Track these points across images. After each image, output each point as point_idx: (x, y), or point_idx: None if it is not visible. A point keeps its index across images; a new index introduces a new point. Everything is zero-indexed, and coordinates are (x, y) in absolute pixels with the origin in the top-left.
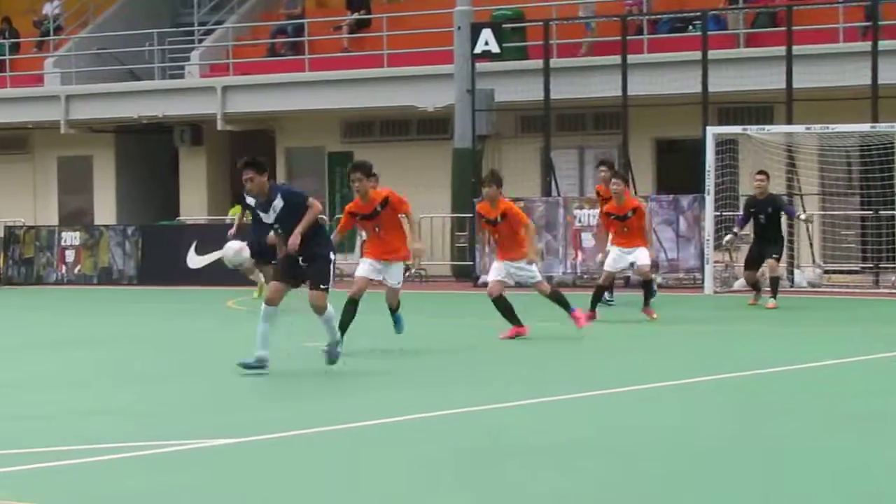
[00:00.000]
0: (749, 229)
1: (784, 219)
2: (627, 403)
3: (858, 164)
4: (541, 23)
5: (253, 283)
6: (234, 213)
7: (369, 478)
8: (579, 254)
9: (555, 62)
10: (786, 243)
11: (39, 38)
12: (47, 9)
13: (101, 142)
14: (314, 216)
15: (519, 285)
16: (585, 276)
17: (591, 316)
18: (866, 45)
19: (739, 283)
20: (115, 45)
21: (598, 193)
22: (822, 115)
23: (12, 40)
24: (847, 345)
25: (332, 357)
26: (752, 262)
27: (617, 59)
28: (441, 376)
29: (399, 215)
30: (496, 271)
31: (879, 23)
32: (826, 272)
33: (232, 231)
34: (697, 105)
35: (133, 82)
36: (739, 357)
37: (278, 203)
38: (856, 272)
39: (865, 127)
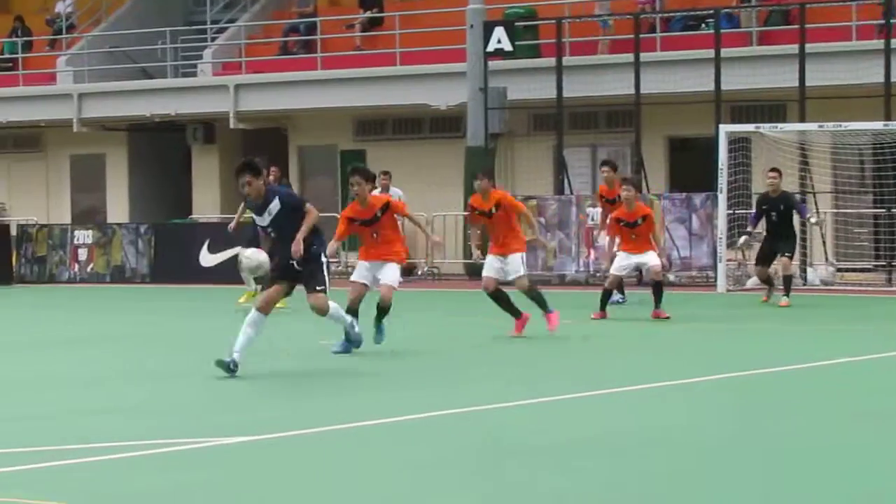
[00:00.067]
0: (762, 227)
1: (796, 217)
2: (635, 402)
3: (871, 162)
4: (553, 21)
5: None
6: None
7: (373, 477)
8: (592, 252)
9: (567, 60)
10: (798, 241)
11: (52, 37)
12: (60, 7)
13: (113, 140)
14: (313, 222)
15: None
16: (598, 275)
17: (602, 315)
18: (879, 44)
19: (752, 282)
20: (127, 44)
21: (600, 195)
22: (835, 114)
23: (25, 39)
24: (860, 343)
25: (354, 343)
26: (764, 259)
27: (630, 57)
28: (447, 375)
29: (398, 219)
30: (487, 266)
31: (893, 20)
32: (839, 270)
33: (231, 225)
34: (710, 103)
35: (146, 80)
36: (752, 355)
37: (275, 206)
38: (869, 270)
39: (878, 125)
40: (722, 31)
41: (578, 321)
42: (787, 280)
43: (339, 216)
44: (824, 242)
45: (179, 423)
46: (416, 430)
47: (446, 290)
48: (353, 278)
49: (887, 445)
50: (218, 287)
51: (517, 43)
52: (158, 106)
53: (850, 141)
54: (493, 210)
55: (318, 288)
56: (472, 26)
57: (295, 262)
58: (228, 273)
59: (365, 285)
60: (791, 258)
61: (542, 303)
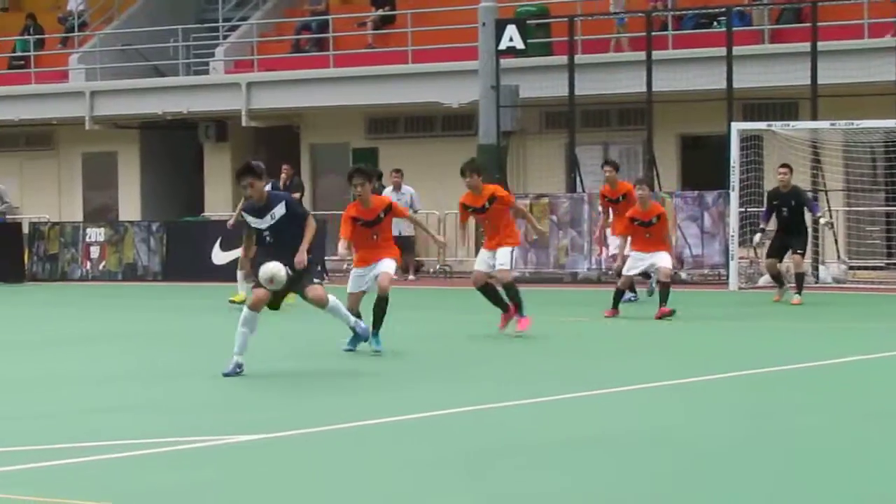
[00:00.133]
0: (773, 223)
1: (808, 213)
2: (643, 401)
3: (883, 160)
4: (565, 19)
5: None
6: None
7: (376, 476)
8: (604, 250)
9: (579, 58)
10: (810, 238)
11: (64, 35)
12: (72, 5)
13: (125, 138)
14: (314, 233)
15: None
16: (610, 273)
17: (615, 313)
18: (892, 41)
19: (764, 280)
20: (139, 42)
21: (602, 195)
22: (846, 112)
23: (37, 36)
24: (872, 341)
25: (361, 336)
26: (775, 252)
27: (642, 55)
28: (449, 374)
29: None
30: (478, 261)
31: None
32: (851, 268)
33: (231, 222)
34: (722, 101)
35: (158, 78)
36: (764, 353)
37: (279, 210)
38: (881, 268)
39: (890, 123)
40: (734, 29)
41: (591, 319)
42: (800, 278)
43: None
44: (836, 240)
45: (190, 421)
46: (418, 429)
47: (457, 288)
48: (350, 290)
49: None
50: (230, 285)
51: (529, 41)
52: (170, 104)
53: (863, 139)
54: (487, 205)
55: (314, 281)
56: (484, 24)
57: (290, 270)
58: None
59: (362, 293)
60: (803, 255)
61: (518, 302)
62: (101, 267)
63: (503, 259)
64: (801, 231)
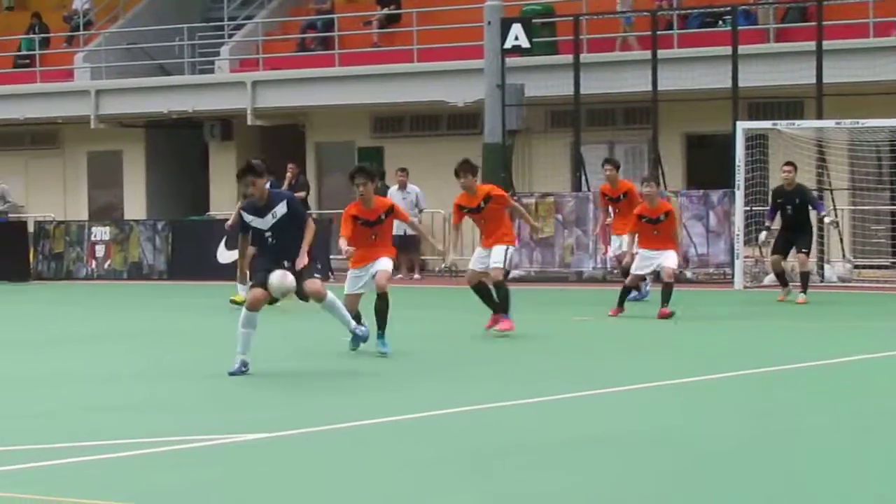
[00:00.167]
0: (778, 221)
1: (813, 211)
2: (647, 400)
3: (889, 159)
4: (571, 18)
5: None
6: None
7: (379, 475)
8: (609, 249)
9: (585, 57)
10: (815, 237)
11: (69, 33)
12: (77, 3)
13: (131, 137)
14: (314, 234)
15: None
16: (615, 272)
17: (619, 311)
18: None
19: (769, 279)
20: (145, 40)
21: (602, 193)
22: (852, 110)
23: (42, 35)
24: (878, 340)
25: (359, 339)
26: (780, 249)
27: (647, 54)
28: (451, 373)
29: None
30: (473, 259)
31: None
32: (856, 267)
33: (229, 223)
34: (727, 100)
35: (163, 77)
36: (769, 352)
37: (280, 209)
38: (886, 267)
39: None
40: (739, 27)
41: (596, 318)
42: (805, 277)
43: None
44: (841, 239)
45: (194, 419)
46: (420, 428)
47: (463, 287)
48: (347, 291)
49: None
50: (235, 284)
51: (535, 40)
52: (176, 103)
53: (868, 138)
54: (483, 204)
55: (314, 275)
56: (489, 23)
57: (292, 268)
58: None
59: (360, 293)
60: (808, 254)
61: (505, 303)
62: (106, 266)
63: (498, 257)
64: (805, 229)
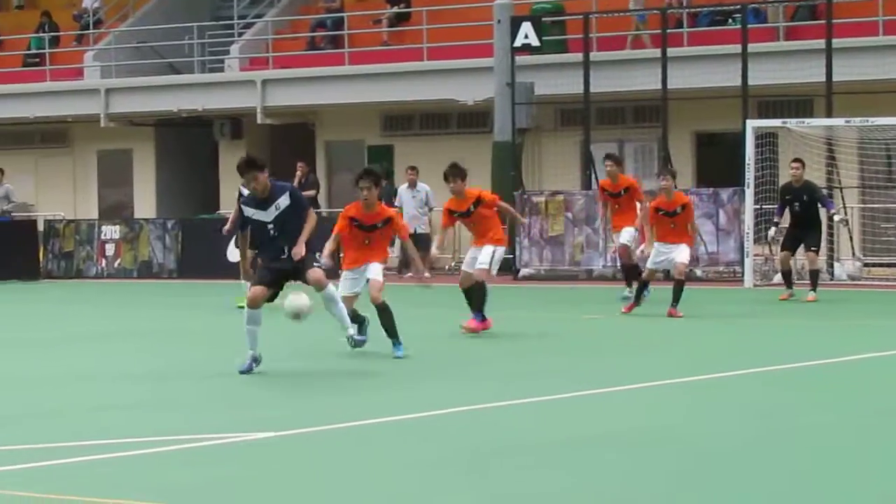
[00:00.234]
0: (787, 218)
1: (822, 209)
2: (655, 398)
3: None
4: (580, 16)
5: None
6: None
7: (384, 474)
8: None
9: (594, 55)
10: (825, 234)
11: (79, 32)
12: (87, 2)
13: (140, 135)
14: (314, 225)
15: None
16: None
17: (635, 306)
18: None
19: (779, 277)
20: (154, 39)
21: (602, 189)
22: (862, 109)
23: (52, 34)
24: (887, 338)
25: (356, 343)
26: (788, 246)
27: (657, 52)
28: (456, 372)
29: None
30: (465, 262)
31: None
32: (866, 265)
33: (227, 227)
34: (737, 98)
35: (173, 76)
36: (778, 350)
37: (283, 201)
38: None
39: None
40: (749, 26)
41: (606, 316)
42: (814, 275)
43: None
44: (851, 237)
45: (203, 418)
46: (423, 428)
47: None
48: (342, 293)
49: None
50: (245, 283)
51: (544, 38)
52: (186, 101)
53: (878, 136)
54: (472, 208)
55: (314, 265)
56: (499, 21)
57: (290, 259)
58: (255, 268)
59: (356, 294)
60: (817, 252)
61: (479, 302)
62: (116, 264)
63: (484, 258)
64: (814, 226)
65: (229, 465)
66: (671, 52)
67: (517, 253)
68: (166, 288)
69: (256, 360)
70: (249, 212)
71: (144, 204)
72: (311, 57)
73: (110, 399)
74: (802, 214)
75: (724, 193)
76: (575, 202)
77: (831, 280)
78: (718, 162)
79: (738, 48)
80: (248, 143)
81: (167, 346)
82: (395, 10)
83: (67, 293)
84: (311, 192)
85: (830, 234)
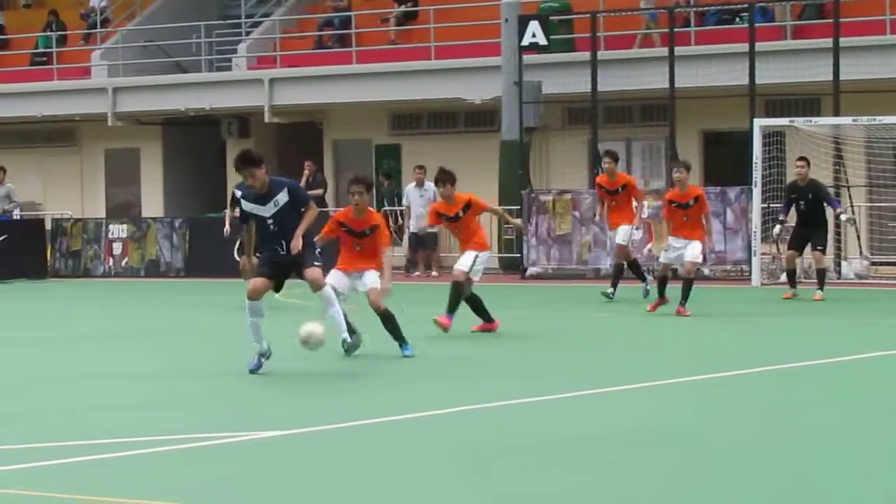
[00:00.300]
0: (792, 217)
1: (828, 208)
2: (663, 397)
3: None
4: (588, 15)
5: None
6: None
7: (391, 472)
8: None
9: (602, 54)
10: (832, 232)
11: (86, 31)
12: (94, 1)
13: (148, 134)
14: (312, 219)
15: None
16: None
17: (663, 302)
18: None
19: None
20: (162, 38)
21: (599, 185)
22: (869, 107)
23: (59, 33)
24: (895, 337)
25: (348, 348)
26: (796, 244)
27: (664, 51)
28: (463, 371)
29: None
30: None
31: None
32: (873, 264)
33: (226, 229)
34: (744, 97)
35: (180, 75)
36: (785, 349)
37: (282, 197)
38: None
39: None
40: (756, 25)
41: (613, 314)
42: (821, 274)
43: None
44: (858, 236)
45: (210, 417)
46: (428, 427)
47: (479, 283)
48: (328, 281)
49: None
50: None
51: (552, 37)
52: (193, 100)
53: (885, 135)
54: (461, 214)
55: (315, 263)
56: (506, 20)
57: (289, 253)
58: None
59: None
60: (824, 251)
61: (453, 303)
62: (123, 263)
63: (465, 260)
64: (820, 225)
65: (236, 464)
66: (679, 50)
67: (525, 252)
68: (174, 287)
69: (264, 355)
70: (249, 207)
71: (152, 203)
72: (319, 56)
73: (116, 398)
74: (808, 213)
75: (732, 192)
76: (582, 201)
77: (838, 279)
78: (726, 161)
79: (745, 47)
80: (255, 142)
81: (174, 345)
82: (403, 8)
83: (75, 292)
84: (319, 192)
85: (838, 233)
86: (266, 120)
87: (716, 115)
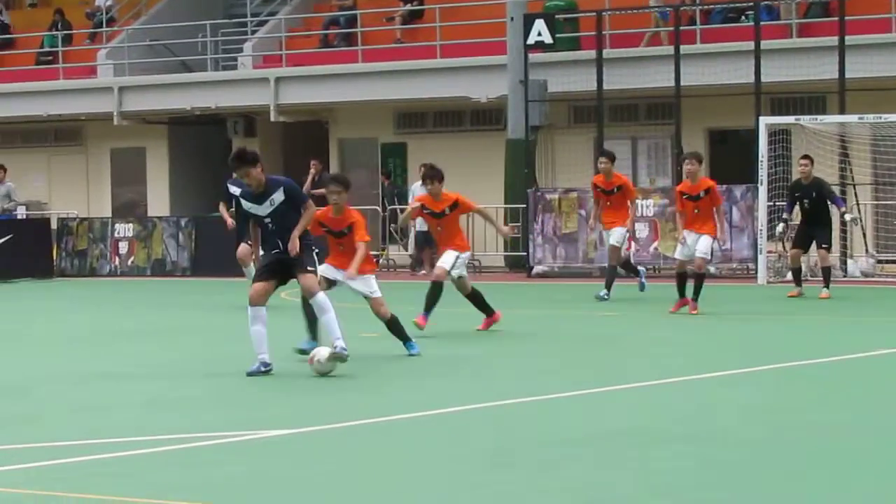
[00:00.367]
0: (796, 215)
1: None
2: (671, 395)
3: None
4: (593, 13)
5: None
6: None
7: (397, 472)
8: (632, 244)
9: (607, 53)
10: (837, 230)
11: (92, 30)
12: (100, 0)
13: (154, 133)
14: (310, 220)
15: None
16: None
17: (685, 302)
18: None
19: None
20: (167, 37)
21: (594, 185)
22: (875, 105)
23: (65, 32)
24: None
25: (340, 357)
26: (801, 242)
27: (670, 49)
28: (473, 369)
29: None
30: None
31: None
32: (879, 262)
33: (229, 223)
34: (750, 95)
35: (186, 74)
36: (791, 347)
37: (278, 196)
38: None
39: None
40: (762, 23)
41: (619, 313)
42: (826, 272)
43: (378, 210)
44: (864, 234)
45: (216, 416)
46: (437, 425)
47: (485, 282)
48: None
49: None
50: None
51: (557, 35)
52: (199, 99)
53: (891, 133)
54: (448, 211)
55: (308, 269)
56: (512, 19)
57: (286, 255)
58: None
59: (332, 281)
60: (829, 249)
61: (430, 304)
62: (129, 262)
63: (447, 258)
64: (824, 223)
65: (236, 464)
66: (684, 49)
67: (530, 250)
68: (180, 286)
69: (266, 364)
70: (247, 205)
71: (158, 202)
72: (325, 55)
73: (117, 398)
74: (812, 211)
75: (738, 190)
76: (588, 199)
77: (844, 277)
78: (731, 159)
79: (751, 45)
80: (261, 141)
81: (177, 345)
82: (409, 7)
83: (81, 291)
84: (325, 190)
85: (843, 231)
86: (272, 119)
87: (721, 113)
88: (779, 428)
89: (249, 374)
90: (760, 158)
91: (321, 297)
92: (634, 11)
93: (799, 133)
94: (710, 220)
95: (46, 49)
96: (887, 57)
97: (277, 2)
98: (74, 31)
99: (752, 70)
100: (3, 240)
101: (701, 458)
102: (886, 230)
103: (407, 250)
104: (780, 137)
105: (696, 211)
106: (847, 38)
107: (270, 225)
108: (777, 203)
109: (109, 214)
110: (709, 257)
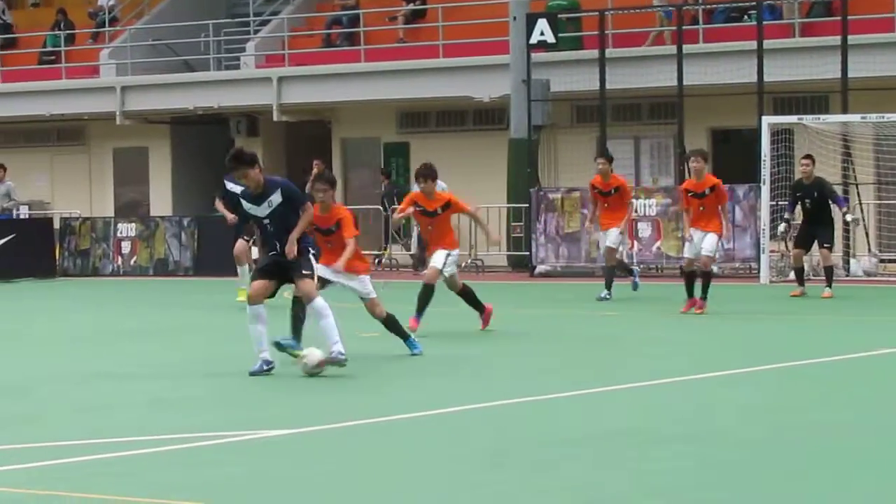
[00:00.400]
0: (798, 215)
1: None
2: (673, 395)
3: None
4: (596, 13)
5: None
6: None
7: (398, 472)
8: (635, 243)
9: (610, 52)
10: (839, 230)
11: (95, 30)
12: (102, 0)
13: (156, 133)
14: (308, 221)
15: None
16: (641, 266)
17: (694, 303)
18: None
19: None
20: (170, 36)
21: (592, 186)
22: (877, 105)
23: (68, 32)
24: None
25: (338, 361)
26: (802, 242)
27: (672, 49)
28: (476, 368)
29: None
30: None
31: None
32: (882, 261)
33: (230, 218)
34: (753, 95)
35: (189, 73)
36: (794, 346)
37: (276, 198)
38: None
39: None
40: (764, 22)
41: (620, 313)
42: (829, 271)
43: (380, 209)
44: (867, 233)
45: (217, 416)
46: (437, 425)
47: (488, 282)
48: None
49: None
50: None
51: (560, 35)
52: (201, 99)
53: (893, 132)
54: (440, 210)
55: (304, 273)
56: (514, 18)
57: (283, 258)
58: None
59: (326, 281)
60: (830, 249)
61: (421, 305)
62: (132, 262)
63: (438, 258)
64: (826, 222)
65: (236, 464)
66: (687, 48)
67: (533, 250)
68: (182, 286)
69: (269, 363)
70: (247, 206)
71: (160, 201)
72: (327, 54)
73: (118, 398)
74: (814, 211)
75: (740, 190)
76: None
77: (847, 276)
78: (734, 158)
79: (753, 45)
80: (264, 141)
81: (179, 344)
82: (411, 6)
83: (83, 291)
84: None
85: (846, 231)
86: (275, 118)
87: (724, 112)
88: (779, 428)
89: (252, 374)
90: (763, 158)
91: (319, 302)
92: (637, 11)
93: (801, 133)
94: (716, 218)
95: (49, 49)
96: (890, 56)
97: (280, 1)
98: (77, 31)
99: (754, 69)
100: (5, 239)
101: (700, 459)
102: (889, 229)
103: (409, 250)
104: (783, 137)
105: (701, 208)
106: (850, 37)
107: (269, 226)
108: (780, 202)
109: (112, 214)
110: (714, 256)
